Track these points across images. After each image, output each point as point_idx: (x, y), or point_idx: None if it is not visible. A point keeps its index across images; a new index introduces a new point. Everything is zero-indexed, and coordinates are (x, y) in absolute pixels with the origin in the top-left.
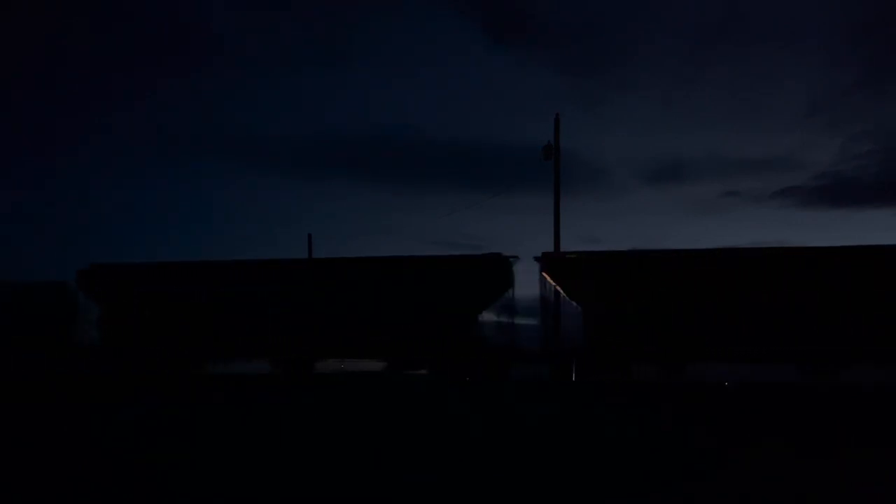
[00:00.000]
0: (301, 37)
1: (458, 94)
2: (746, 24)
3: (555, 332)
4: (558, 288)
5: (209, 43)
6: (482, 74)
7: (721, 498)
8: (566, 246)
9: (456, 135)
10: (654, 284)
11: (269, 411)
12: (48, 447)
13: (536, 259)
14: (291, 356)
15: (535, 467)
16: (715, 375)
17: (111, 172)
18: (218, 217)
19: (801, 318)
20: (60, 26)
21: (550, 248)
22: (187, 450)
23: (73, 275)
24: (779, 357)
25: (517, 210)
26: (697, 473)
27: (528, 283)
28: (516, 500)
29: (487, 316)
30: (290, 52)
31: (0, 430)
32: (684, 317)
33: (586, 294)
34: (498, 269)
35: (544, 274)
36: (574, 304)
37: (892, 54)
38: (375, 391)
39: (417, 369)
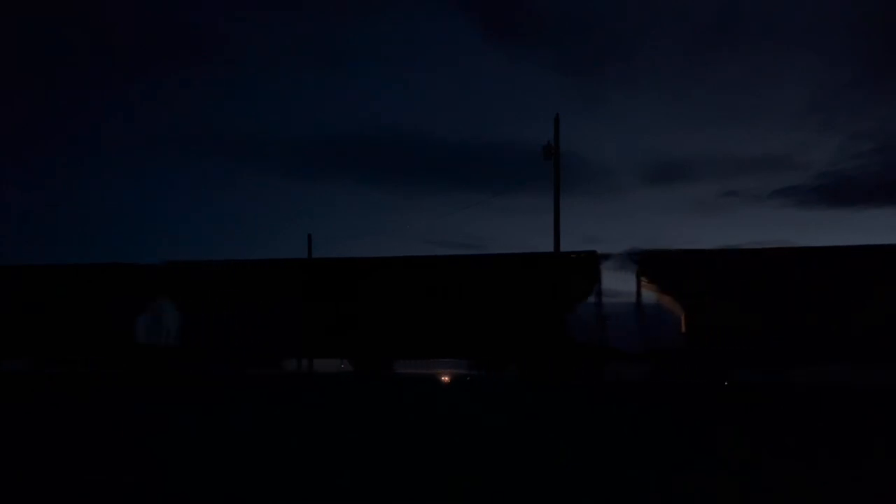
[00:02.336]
0: (301, 37)
1: (458, 94)
2: (746, 24)
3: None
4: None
5: (209, 43)
6: (482, 74)
7: None
8: (567, 246)
9: (455, 134)
10: (223, 293)
11: (268, 411)
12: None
13: None
14: None
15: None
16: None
17: (109, 172)
18: (218, 217)
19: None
20: (60, 26)
21: (550, 248)
22: (187, 449)
23: None
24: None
25: (517, 210)
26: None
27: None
28: None
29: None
30: (290, 52)
31: None
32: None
33: (185, 300)
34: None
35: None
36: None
37: (892, 54)
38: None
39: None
